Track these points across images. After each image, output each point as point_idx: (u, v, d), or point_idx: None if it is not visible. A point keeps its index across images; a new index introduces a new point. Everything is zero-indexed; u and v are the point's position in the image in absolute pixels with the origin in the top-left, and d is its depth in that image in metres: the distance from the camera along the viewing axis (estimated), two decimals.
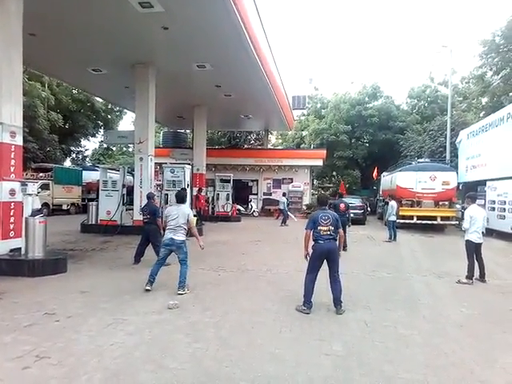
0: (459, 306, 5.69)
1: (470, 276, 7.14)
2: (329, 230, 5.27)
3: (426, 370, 3.63)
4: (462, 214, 16.14)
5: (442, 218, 16.12)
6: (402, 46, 76.97)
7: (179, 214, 5.99)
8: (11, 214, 7.44)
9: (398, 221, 15.98)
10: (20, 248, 7.30)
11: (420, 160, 19.23)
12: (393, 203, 13.61)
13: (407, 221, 16.13)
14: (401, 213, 16.29)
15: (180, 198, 6.31)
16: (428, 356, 3.95)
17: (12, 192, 7.41)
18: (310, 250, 5.40)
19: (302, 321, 4.89)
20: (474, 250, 7.22)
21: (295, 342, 4.23)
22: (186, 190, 12.61)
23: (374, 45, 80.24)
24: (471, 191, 13.26)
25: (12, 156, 7.49)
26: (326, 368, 3.63)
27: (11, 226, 7.44)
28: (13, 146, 7.50)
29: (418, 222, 16.10)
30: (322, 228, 5.27)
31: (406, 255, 10.46)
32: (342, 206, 10.99)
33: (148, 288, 5.94)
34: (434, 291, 6.61)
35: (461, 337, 4.51)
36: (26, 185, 7.57)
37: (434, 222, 16.11)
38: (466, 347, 4.21)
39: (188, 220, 6.08)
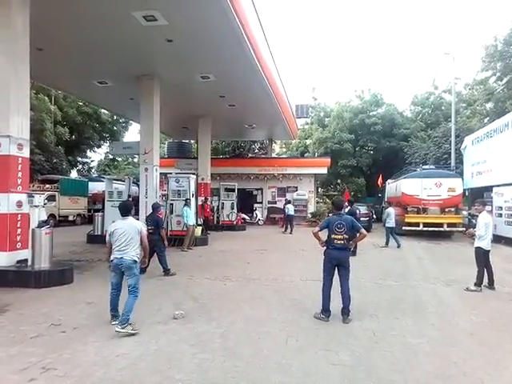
0: (468, 314, 5.61)
1: (478, 283, 7.05)
2: (343, 239, 5.24)
3: (436, 380, 3.57)
4: (469, 220, 16.06)
5: (449, 225, 15.97)
6: (405, 53, 77.34)
7: (126, 230, 4.84)
8: (18, 225, 7.49)
9: (404, 228, 16.01)
10: (27, 259, 7.34)
11: (425, 167, 19.14)
12: (389, 210, 13.59)
13: (413, 228, 16.01)
14: (407, 220, 16.21)
15: (124, 210, 5.08)
16: (437, 365, 3.88)
17: (19, 204, 7.47)
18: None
19: (309, 330, 4.85)
20: (483, 256, 7.13)
21: (302, 351, 4.19)
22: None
23: (376, 53, 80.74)
24: (477, 197, 13.19)
25: (19, 168, 7.56)
26: (333, 378, 3.58)
27: (18, 238, 7.48)
28: (20, 159, 7.58)
29: (425, 229, 15.96)
30: (335, 236, 5.25)
31: (413, 263, 10.36)
32: (358, 212, 11.35)
33: (114, 323, 4.79)
34: (442, 299, 6.53)
35: (470, 345, 4.44)
36: (33, 196, 7.65)
37: (441, 229, 15.96)
38: (476, 356, 4.14)
39: (140, 236, 4.93)
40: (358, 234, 5.42)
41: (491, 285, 7.16)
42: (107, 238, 4.96)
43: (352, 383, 3.50)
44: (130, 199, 13.87)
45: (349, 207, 11.56)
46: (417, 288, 7.29)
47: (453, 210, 16.49)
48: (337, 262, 5.28)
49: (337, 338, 4.56)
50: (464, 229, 15.42)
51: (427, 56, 71.87)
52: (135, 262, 4.84)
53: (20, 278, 7.01)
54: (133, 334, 4.53)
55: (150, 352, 4.11)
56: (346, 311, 5.22)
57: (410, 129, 30.52)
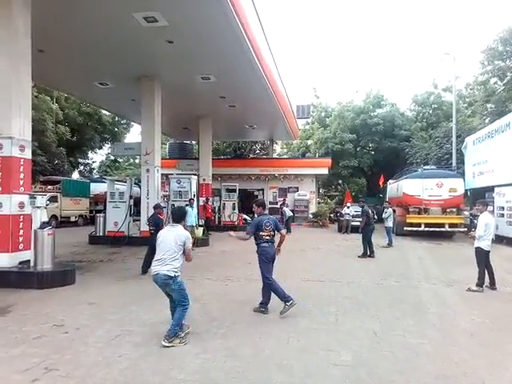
0: (469, 315, 5.61)
1: (480, 284, 7.04)
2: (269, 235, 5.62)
3: (437, 380, 3.57)
4: (471, 220, 16.04)
5: (450, 225, 15.96)
6: (405, 53, 77.30)
7: (171, 238, 4.43)
8: (20, 226, 7.52)
9: (405, 228, 16.05)
10: (29, 260, 7.37)
11: (426, 167, 19.14)
12: (390, 210, 13.70)
13: (415, 228, 16.01)
14: (408, 220, 16.22)
15: (176, 216, 4.75)
16: (438, 365, 3.89)
17: (21, 205, 7.50)
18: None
19: (310, 330, 4.86)
20: (484, 257, 7.13)
21: (303, 352, 4.20)
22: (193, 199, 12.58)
23: (377, 53, 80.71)
24: (479, 198, 13.19)
25: (21, 169, 7.59)
26: (334, 378, 3.59)
27: (20, 239, 7.51)
28: (22, 160, 7.61)
29: (426, 229, 15.95)
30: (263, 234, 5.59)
31: (414, 263, 10.36)
32: (372, 213, 11.66)
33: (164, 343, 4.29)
34: (443, 299, 6.53)
35: (472, 346, 4.45)
36: (35, 198, 7.67)
37: (442, 230, 15.95)
38: (477, 356, 4.14)
39: (184, 247, 4.46)
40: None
41: (493, 285, 7.16)
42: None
43: (353, 383, 3.50)
44: (132, 200, 13.95)
45: (361, 208, 11.89)
46: (418, 288, 7.29)
47: (454, 210, 16.50)
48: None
49: (338, 339, 4.57)
50: (466, 229, 15.45)
51: (427, 56, 71.83)
52: (170, 277, 4.32)
53: (22, 278, 7.04)
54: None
55: (151, 352, 4.12)
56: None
57: (410, 130, 30.52)
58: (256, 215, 5.87)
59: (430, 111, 33.11)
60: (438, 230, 15.92)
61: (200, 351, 4.16)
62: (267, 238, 5.59)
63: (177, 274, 4.39)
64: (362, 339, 4.57)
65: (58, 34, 9.93)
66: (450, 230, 16.04)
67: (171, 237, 4.43)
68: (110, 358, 3.95)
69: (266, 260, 5.58)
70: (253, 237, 5.63)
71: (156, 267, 4.39)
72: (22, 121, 7.61)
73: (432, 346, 4.38)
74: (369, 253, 11.04)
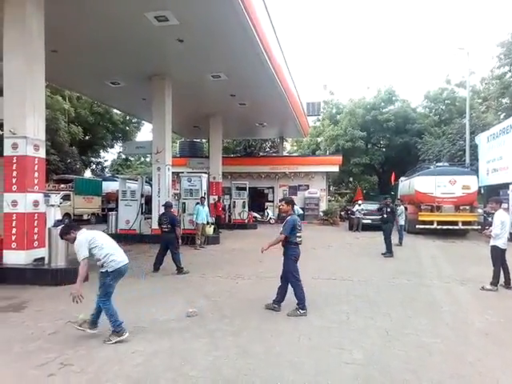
0: (483, 314, 5.53)
1: (495, 283, 6.93)
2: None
3: (451, 380, 3.54)
4: (485, 218, 15.78)
5: (464, 223, 15.70)
6: (418, 49, 76.23)
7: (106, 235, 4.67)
8: (35, 224, 7.66)
9: (418, 226, 15.87)
10: (43, 257, 7.51)
11: (439, 164, 18.86)
12: (402, 207, 13.56)
13: (427, 226, 15.81)
14: (420, 218, 16.02)
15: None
16: (452, 365, 3.85)
17: (36, 203, 7.64)
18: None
19: (321, 328, 4.85)
20: (500, 256, 7.00)
21: (314, 349, 4.19)
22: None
23: (389, 49, 79.75)
24: (493, 195, 12.96)
25: (35, 168, 7.73)
26: (346, 377, 3.58)
27: (35, 237, 7.66)
28: (36, 159, 7.75)
29: (439, 227, 15.74)
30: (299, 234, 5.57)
31: (427, 261, 10.24)
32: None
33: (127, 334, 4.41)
34: (456, 298, 6.45)
35: (486, 345, 4.39)
36: (49, 196, 7.82)
37: (455, 227, 15.72)
38: (492, 356, 4.08)
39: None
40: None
41: (508, 284, 7.03)
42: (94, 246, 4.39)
43: (365, 382, 3.49)
44: (143, 198, 14.10)
45: (386, 205, 11.75)
46: (430, 287, 7.21)
47: (468, 207, 16.20)
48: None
49: (350, 337, 4.55)
50: (479, 227, 15.19)
51: (441, 51, 70.70)
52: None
53: (37, 275, 7.17)
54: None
55: (164, 349, 4.17)
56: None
57: (423, 124, 30.06)
58: (277, 214, 6.00)
59: (443, 107, 32.60)
60: (450, 227, 15.69)
61: (211, 348, 4.19)
62: (300, 239, 5.55)
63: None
64: (374, 338, 4.55)
65: (70, 35, 10.05)
66: (463, 227, 15.78)
67: (101, 232, 4.63)
68: (123, 354, 4.01)
69: (295, 261, 5.53)
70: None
71: (122, 256, 4.56)
72: (36, 120, 7.75)
73: (445, 345, 4.33)
74: (387, 250, 10.93)
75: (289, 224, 5.45)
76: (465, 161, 21.35)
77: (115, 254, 4.46)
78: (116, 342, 4.27)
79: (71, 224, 4.88)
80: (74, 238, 4.39)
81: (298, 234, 5.49)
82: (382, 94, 32.37)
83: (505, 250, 7.02)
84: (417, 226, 16.00)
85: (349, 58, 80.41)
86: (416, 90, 61.75)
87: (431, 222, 15.81)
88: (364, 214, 18.59)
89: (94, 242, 4.35)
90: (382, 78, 79.94)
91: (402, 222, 13.34)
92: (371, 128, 31.04)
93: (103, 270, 4.40)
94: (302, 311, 5.35)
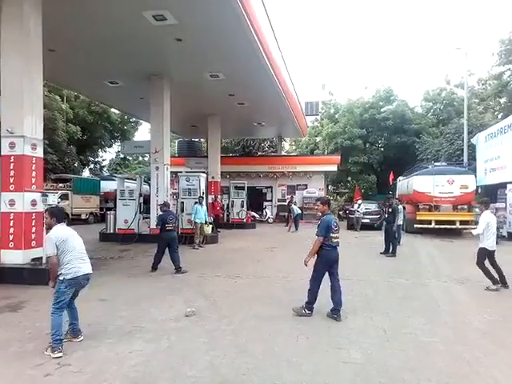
0: (482, 313, 5.54)
1: (495, 281, 6.92)
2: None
3: (449, 379, 3.54)
4: None
5: (461, 222, 15.75)
6: (416, 49, 76.37)
7: (74, 236, 4.30)
8: (33, 224, 7.64)
9: (416, 226, 15.91)
10: (41, 257, 7.48)
11: (437, 164, 18.92)
12: (400, 207, 13.51)
13: (425, 225, 15.85)
14: (418, 217, 16.06)
15: (62, 216, 4.44)
16: (450, 364, 3.85)
17: (33, 203, 7.62)
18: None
19: (319, 328, 4.85)
20: (485, 257, 7.03)
21: (313, 349, 4.19)
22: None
23: (387, 49, 79.85)
24: (491, 194, 13.00)
25: (33, 168, 7.70)
26: (344, 376, 3.58)
27: (33, 236, 7.63)
28: (34, 158, 7.72)
29: (437, 226, 15.78)
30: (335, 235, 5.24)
31: (425, 260, 10.26)
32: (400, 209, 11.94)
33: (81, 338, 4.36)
34: (454, 297, 6.46)
35: (484, 344, 4.39)
36: (47, 195, 7.81)
37: (453, 227, 15.76)
38: (490, 355, 4.09)
39: None
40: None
41: (504, 283, 7.04)
42: (57, 245, 4.10)
43: (363, 381, 3.49)
44: (142, 198, 14.08)
45: (389, 205, 11.72)
46: (429, 286, 7.22)
47: (465, 207, 16.27)
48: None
49: (348, 336, 4.55)
50: (476, 226, 15.20)
51: (439, 51, 70.79)
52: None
53: (35, 275, 7.13)
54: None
55: (162, 349, 4.16)
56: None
57: (421, 124, 30.14)
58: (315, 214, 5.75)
59: (441, 107, 32.68)
60: (448, 227, 15.74)
61: (210, 348, 4.18)
62: (336, 240, 5.22)
63: None
64: (372, 337, 4.55)
65: (68, 34, 10.02)
66: (460, 227, 15.83)
67: (74, 233, 4.32)
68: (121, 354, 3.99)
69: (326, 264, 5.24)
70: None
71: (85, 265, 4.25)
72: (33, 120, 7.72)
73: (443, 345, 4.34)
74: (391, 250, 10.95)
75: (323, 224, 5.18)
76: (463, 160, 21.41)
77: (77, 262, 4.16)
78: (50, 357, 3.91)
79: (61, 212, 4.49)
80: (50, 228, 4.21)
81: (333, 235, 5.17)
82: (381, 94, 32.43)
83: (493, 251, 7.03)
84: (415, 226, 16.04)
85: (347, 58, 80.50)
86: (414, 90, 61.99)
87: (429, 222, 15.85)
88: (364, 214, 18.61)
89: (62, 244, 4.09)
90: (380, 78, 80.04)
91: (400, 221, 13.33)
92: (369, 127, 31.10)
93: (60, 278, 4.10)
94: (307, 311, 5.25)
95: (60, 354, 3.93)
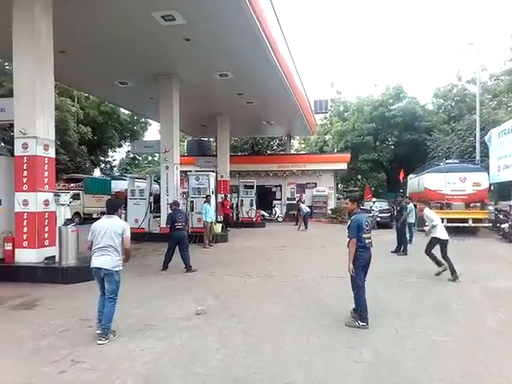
0: (495, 312, 5.46)
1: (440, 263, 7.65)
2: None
3: (462, 379, 3.50)
4: (496, 215, 15.58)
5: (474, 221, 15.51)
6: (426, 46, 75.35)
7: (108, 230, 4.44)
8: (46, 223, 7.76)
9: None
10: (54, 256, 7.61)
11: (448, 161, 18.64)
12: (411, 205, 13.30)
13: None
14: None
15: (111, 208, 4.70)
16: (463, 364, 3.81)
17: (46, 202, 7.74)
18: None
19: (330, 327, 4.83)
20: (433, 246, 7.89)
21: (323, 348, 4.18)
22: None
23: (397, 46, 78.98)
24: (504, 191, 12.76)
25: (45, 168, 7.83)
26: (356, 376, 3.56)
27: (46, 235, 7.76)
28: (46, 159, 7.85)
29: (449, 224, 15.54)
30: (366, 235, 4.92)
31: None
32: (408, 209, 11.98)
33: (99, 332, 4.39)
34: (467, 296, 6.37)
35: (498, 344, 4.33)
36: (59, 195, 7.92)
37: (466, 225, 15.53)
38: (503, 355, 4.03)
39: (122, 238, 4.47)
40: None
41: (454, 274, 7.41)
42: (89, 237, 4.52)
43: (375, 381, 3.47)
44: (152, 197, 14.19)
45: (398, 203, 11.76)
46: (440, 285, 7.14)
47: (478, 205, 16.01)
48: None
49: (359, 336, 4.53)
50: (490, 224, 14.97)
51: (449, 48, 69.77)
52: (114, 268, 4.45)
53: (48, 273, 7.27)
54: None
55: (173, 347, 4.19)
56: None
57: (432, 121, 29.77)
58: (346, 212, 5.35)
59: (453, 104, 32.23)
60: (460, 225, 15.51)
61: (220, 346, 4.20)
62: (369, 241, 4.90)
63: (120, 264, 4.51)
64: (384, 336, 4.52)
65: (78, 35, 10.12)
66: (473, 225, 15.59)
67: (109, 228, 4.45)
68: (133, 352, 4.04)
69: (360, 265, 4.89)
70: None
71: (98, 259, 4.41)
72: (45, 121, 7.84)
73: (456, 344, 4.29)
74: (402, 249, 10.85)
75: (353, 224, 4.85)
76: (475, 157, 21.08)
77: (94, 255, 4.45)
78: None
79: (109, 204, 4.85)
80: (120, 216, 4.73)
81: (364, 235, 4.85)
82: (390, 91, 32.11)
83: (445, 240, 7.76)
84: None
85: (356, 56, 79.85)
86: (425, 88, 61.22)
87: (441, 220, 15.61)
88: (379, 212, 18.45)
89: (92, 235, 4.47)
90: (389, 76, 79.27)
91: (412, 219, 13.12)
92: (379, 125, 30.83)
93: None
94: (361, 323, 4.77)
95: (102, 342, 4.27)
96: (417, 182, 19.28)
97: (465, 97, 31.10)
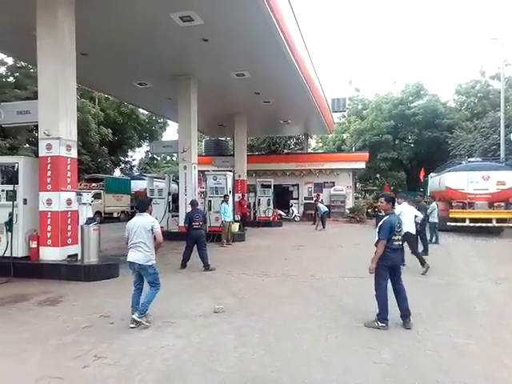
0: None
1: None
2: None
3: (485, 382, 3.42)
4: None
5: (498, 220, 15.07)
6: (448, 41, 73.51)
7: (138, 228, 4.83)
8: (68, 222, 7.97)
9: (449, 223, 15.34)
10: (76, 254, 7.81)
11: (471, 159, 18.18)
12: (433, 204, 12.98)
13: (459, 224, 15.28)
14: (451, 215, 15.52)
15: (142, 206, 5.10)
16: (487, 367, 3.71)
17: (69, 202, 7.95)
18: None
19: (349, 327, 4.79)
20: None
21: (342, 348, 4.15)
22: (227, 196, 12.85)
23: (417, 42, 77.37)
24: None
25: (68, 168, 8.04)
26: (375, 376, 3.52)
27: (68, 234, 7.97)
28: (69, 159, 8.06)
29: (471, 224, 15.17)
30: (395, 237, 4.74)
31: (459, 260, 9.90)
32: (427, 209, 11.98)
33: (135, 317, 4.72)
34: (490, 298, 6.21)
35: None
36: (81, 195, 8.11)
37: (489, 225, 15.11)
38: None
39: (154, 234, 4.85)
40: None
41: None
42: (126, 234, 5.04)
43: (394, 382, 3.42)
44: (170, 196, 14.38)
45: (417, 203, 11.34)
46: (463, 286, 6.98)
47: (502, 204, 15.54)
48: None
49: (378, 336, 4.48)
50: None
51: (472, 42, 67.88)
52: (147, 263, 4.86)
53: (71, 271, 7.47)
54: (146, 327, 4.71)
55: (192, 344, 4.24)
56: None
57: (454, 119, 29.04)
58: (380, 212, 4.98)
59: (476, 100, 31.33)
60: (484, 225, 15.10)
61: (238, 344, 4.23)
62: (398, 243, 4.75)
63: (152, 258, 4.88)
64: (404, 338, 4.45)
65: (99, 38, 10.35)
66: (497, 225, 15.15)
67: (139, 225, 4.85)
68: (153, 349, 4.11)
69: (385, 266, 4.73)
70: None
71: (132, 254, 4.85)
72: (68, 122, 8.04)
73: (479, 347, 4.18)
74: (423, 249, 10.63)
75: (385, 226, 4.67)
76: (499, 155, 20.45)
77: (130, 250, 4.91)
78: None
79: (139, 203, 5.36)
80: (150, 212, 5.08)
81: (394, 237, 4.68)
82: (410, 88, 31.48)
83: (414, 235, 8.28)
84: (447, 224, 15.50)
85: (375, 53, 78.66)
86: (446, 84, 59.69)
87: (463, 220, 15.27)
88: None
89: (128, 232, 4.93)
90: (409, 73, 77.70)
91: (435, 219, 12.71)
92: (399, 123, 30.28)
93: None
94: (380, 324, 4.70)
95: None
96: (438, 180, 18.88)
97: (488, 93, 30.18)
